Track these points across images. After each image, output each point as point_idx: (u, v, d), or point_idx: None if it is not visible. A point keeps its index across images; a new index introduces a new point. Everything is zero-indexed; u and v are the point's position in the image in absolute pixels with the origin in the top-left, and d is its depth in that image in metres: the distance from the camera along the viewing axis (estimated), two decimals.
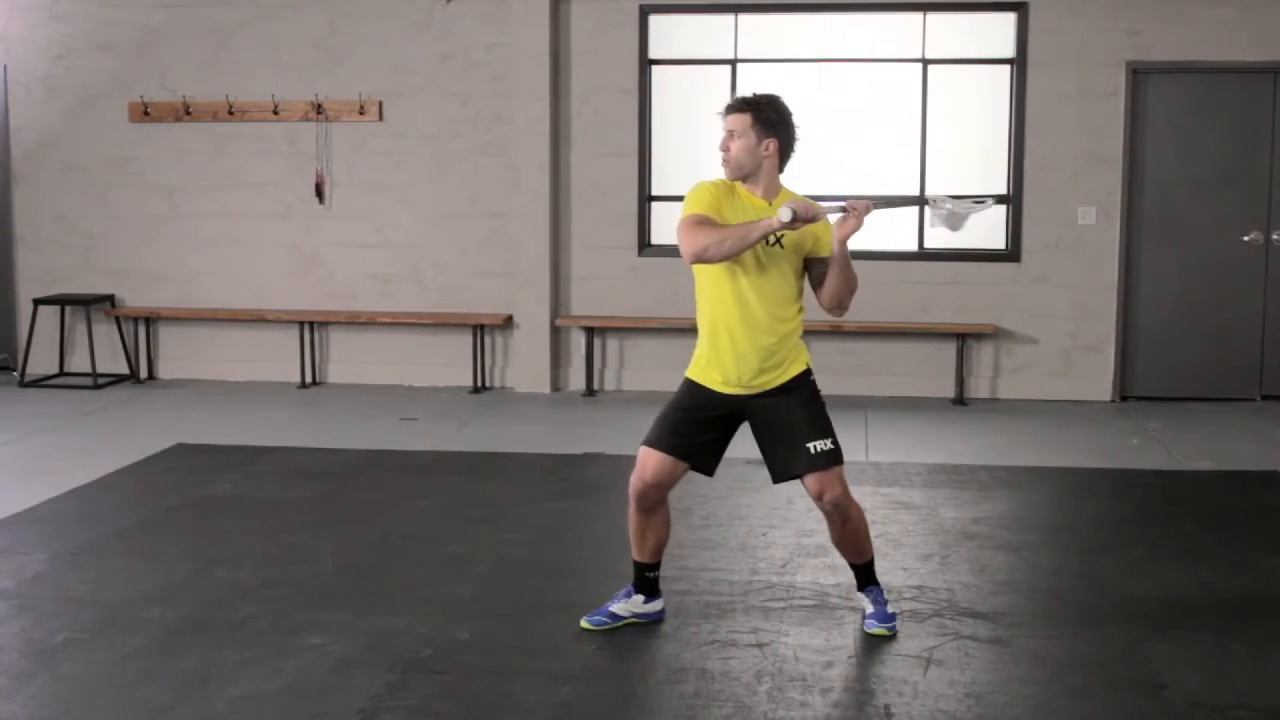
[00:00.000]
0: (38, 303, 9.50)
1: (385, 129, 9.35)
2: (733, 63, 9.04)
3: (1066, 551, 5.62)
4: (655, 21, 9.15)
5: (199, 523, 5.96)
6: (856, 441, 7.47)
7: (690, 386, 4.43)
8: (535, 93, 9.07)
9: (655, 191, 9.17)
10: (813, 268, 4.36)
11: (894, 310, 8.92)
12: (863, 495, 5.77)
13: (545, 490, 6.62)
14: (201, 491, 6.46)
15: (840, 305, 4.33)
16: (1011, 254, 8.95)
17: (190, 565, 5.26)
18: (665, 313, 8.98)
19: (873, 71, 9.05)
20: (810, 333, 4.64)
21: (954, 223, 4.44)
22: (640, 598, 4.57)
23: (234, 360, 9.61)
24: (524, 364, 9.30)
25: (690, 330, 4.49)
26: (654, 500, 4.43)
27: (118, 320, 9.63)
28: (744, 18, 9.05)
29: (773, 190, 4.36)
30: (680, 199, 4.35)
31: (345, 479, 6.76)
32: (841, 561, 4.68)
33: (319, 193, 9.42)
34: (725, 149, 4.34)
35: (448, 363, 9.41)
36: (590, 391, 9.20)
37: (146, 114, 9.52)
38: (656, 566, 4.58)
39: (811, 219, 4.13)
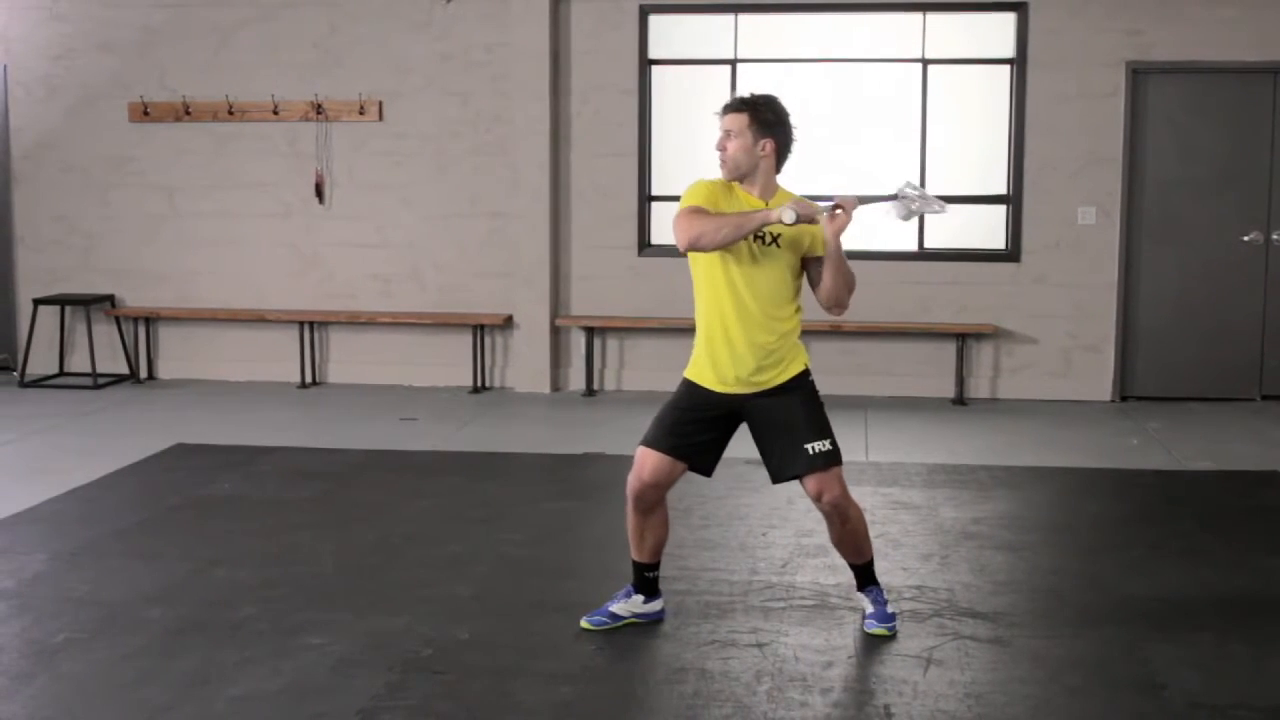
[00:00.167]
0: (38, 303, 9.50)
1: (385, 129, 9.35)
2: (733, 63, 9.05)
3: (1066, 551, 5.62)
4: (655, 21, 9.15)
5: (199, 523, 5.95)
6: (856, 441, 7.47)
7: (688, 387, 4.43)
8: (535, 93, 9.07)
9: (655, 191, 9.18)
10: (810, 267, 4.37)
11: (894, 310, 8.92)
12: (863, 495, 5.77)
13: (545, 490, 6.62)
14: (201, 491, 6.46)
15: (839, 303, 4.34)
16: (1011, 254, 8.94)
17: (190, 565, 5.26)
18: (665, 313, 8.98)
19: (873, 71, 9.05)
20: (810, 333, 4.64)
21: (909, 214, 4.41)
22: (640, 598, 4.57)
23: (234, 360, 9.61)
24: (524, 364, 9.30)
25: (690, 330, 4.49)
26: (652, 500, 4.43)
27: (118, 320, 9.63)
28: (744, 18, 9.05)
29: (770, 190, 4.36)
30: (680, 199, 4.35)
31: (345, 479, 6.76)
32: (841, 561, 4.68)
33: (319, 193, 9.42)
34: (722, 149, 4.34)
35: (448, 363, 9.41)
36: (590, 391, 9.20)
37: (146, 114, 9.52)
38: (656, 566, 4.58)
39: (811, 219, 4.15)
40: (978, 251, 9.00)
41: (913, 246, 9.02)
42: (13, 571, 5.17)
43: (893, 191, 4.38)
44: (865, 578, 4.58)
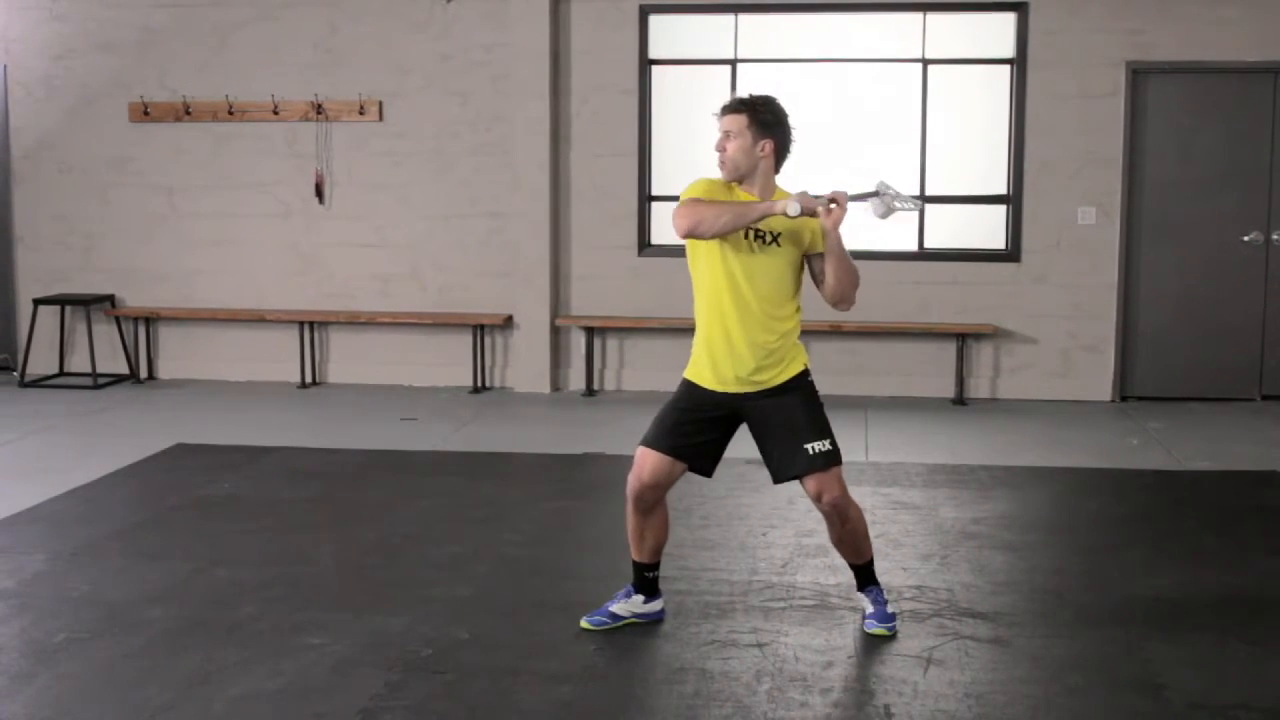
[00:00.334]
0: (38, 303, 9.50)
1: (385, 129, 9.35)
2: (733, 63, 9.05)
3: (1066, 551, 5.62)
4: (655, 21, 9.15)
5: (199, 523, 5.95)
6: (856, 441, 7.47)
7: (688, 387, 4.43)
8: (535, 93, 9.07)
9: (655, 191, 9.18)
10: (813, 263, 4.37)
11: (894, 310, 8.92)
12: (863, 495, 5.77)
13: (545, 490, 6.61)
14: (201, 491, 6.46)
15: (844, 298, 4.33)
16: (1011, 254, 8.94)
17: (190, 565, 5.25)
18: (665, 313, 8.98)
19: (873, 71, 9.05)
20: (810, 333, 4.65)
21: (887, 211, 4.41)
22: (640, 598, 4.57)
23: (234, 360, 9.61)
24: (524, 364, 9.30)
25: (690, 330, 4.49)
26: (651, 501, 4.43)
27: (118, 320, 9.63)
28: (744, 18, 9.05)
29: (769, 191, 4.36)
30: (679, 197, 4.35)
31: (345, 479, 6.76)
32: (841, 561, 4.68)
33: (319, 193, 9.42)
34: (721, 149, 4.34)
35: (448, 363, 9.41)
36: (590, 391, 9.20)
37: (146, 114, 9.52)
38: (656, 566, 4.58)
39: (813, 212, 4.16)
40: (978, 251, 9.00)
41: (913, 246, 9.02)
42: (13, 571, 5.17)
43: (872, 189, 4.38)
44: (865, 578, 4.58)
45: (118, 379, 9.60)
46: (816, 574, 5.12)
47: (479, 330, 9.27)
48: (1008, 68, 8.89)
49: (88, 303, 9.49)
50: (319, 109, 9.34)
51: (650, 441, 4.39)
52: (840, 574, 4.91)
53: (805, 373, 4.40)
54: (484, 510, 6.12)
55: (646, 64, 9.15)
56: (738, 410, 4.38)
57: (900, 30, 8.97)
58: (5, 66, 9.67)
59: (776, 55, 9.05)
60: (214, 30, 9.41)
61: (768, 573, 5.15)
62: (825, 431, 4.34)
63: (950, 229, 9.00)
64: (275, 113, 9.37)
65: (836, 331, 8.80)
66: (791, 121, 4.36)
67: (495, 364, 9.44)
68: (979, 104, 8.99)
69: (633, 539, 4.53)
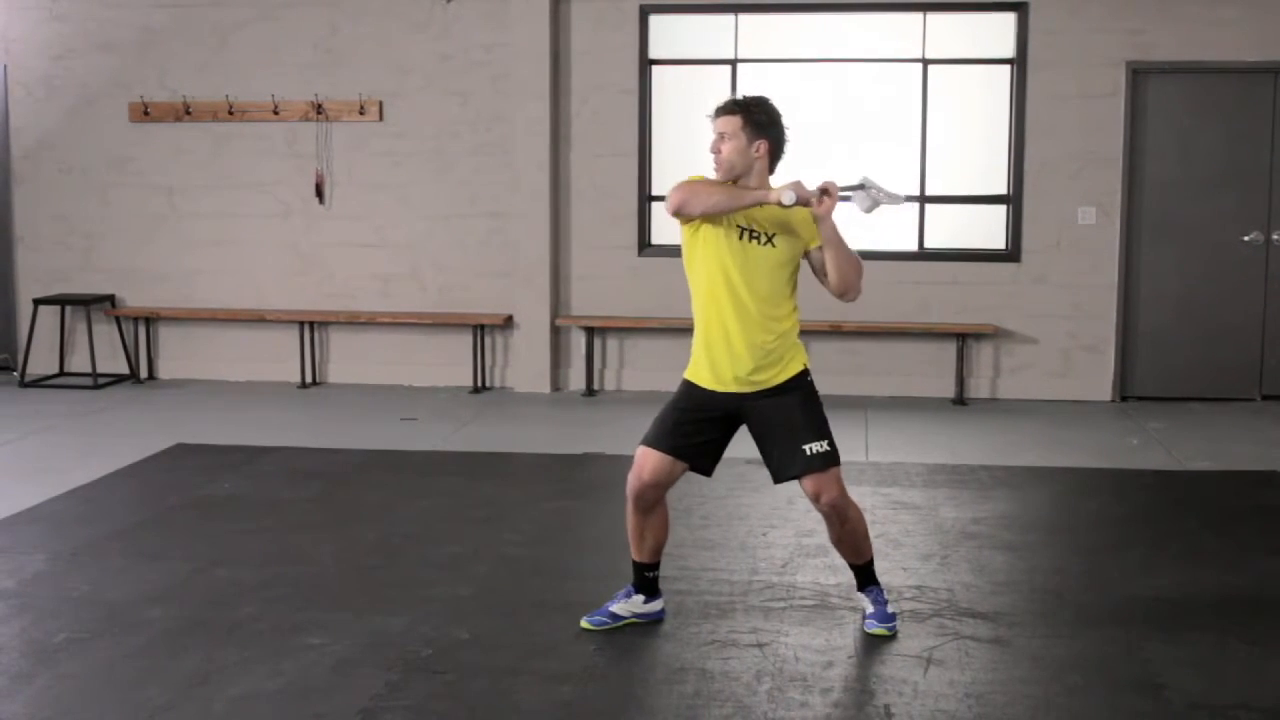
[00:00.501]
0: (38, 303, 9.50)
1: (385, 129, 9.35)
2: (733, 63, 9.05)
3: (1066, 551, 5.61)
4: (655, 21, 9.15)
5: (199, 523, 5.95)
6: (856, 441, 7.47)
7: (688, 387, 4.43)
8: (535, 93, 9.07)
9: (655, 191, 9.18)
10: (813, 257, 4.36)
11: (894, 310, 8.92)
12: (863, 495, 5.78)
13: (545, 490, 6.61)
14: (201, 491, 6.46)
15: (849, 287, 4.31)
16: (1011, 254, 8.94)
17: (190, 565, 5.25)
18: (665, 313, 8.98)
19: (873, 71, 9.05)
20: (810, 332, 4.65)
21: (872, 204, 4.41)
22: (640, 597, 4.58)
23: (234, 360, 9.61)
24: (524, 364, 9.30)
25: (690, 330, 4.49)
26: (651, 500, 4.43)
27: (118, 320, 9.63)
28: (744, 18, 9.05)
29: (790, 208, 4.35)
30: None
31: (345, 479, 6.76)
32: (842, 561, 4.68)
33: (319, 193, 9.42)
34: (716, 151, 4.35)
35: (448, 363, 9.41)
36: (590, 391, 9.20)
37: (146, 114, 9.52)
38: (656, 566, 4.58)
39: (807, 201, 4.18)
40: (978, 251, 9.00)
41: (913, 246, 9.02)
42: (13, 571, 5.17)
43: (856, 182, 4.38)
44: (865, 578, 4.58)
45: (118, 379, 9.60)
46: (816, 574, 5.12)
47: (479, 330, 9.27)
48: (1008, 68, 8.89)
49: (88, 303, 9.49)
50: (319, 109, 9.34)
51: (651, 441, 4.40)
52: (840, 574, 4.91)
53: (805, 373, 4.40)
54: (484, 510, 6.12)
55: (646, 64, 9.15)
56: (738, 410, 4.38)
57: (900, 30, 8.97)
58: (5, 66, 9.67)
59: (776, 55, 9.05)
60: (214, 30, 9.41)
61: (768, 573, 5.15)
62: (824, 432, 4.34)
63: (950, 229, 9.00)
64: (275, 113, 9.37)
65: (836, 331, 8.80)
66: (785, 121, 4.36)
67: (495, 364, 9.44)
68: (979, 104, 8.99)
69: (633, 539, 4.53)
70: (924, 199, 8.95)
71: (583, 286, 9.27)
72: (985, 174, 8.99)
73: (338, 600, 4.86)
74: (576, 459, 7.22)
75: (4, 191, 9.77)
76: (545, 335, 9.23)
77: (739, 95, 4.43)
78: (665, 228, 8.98)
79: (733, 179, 4.34)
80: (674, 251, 4.52)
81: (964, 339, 8.89)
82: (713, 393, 4.37)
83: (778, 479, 4.42)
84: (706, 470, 4.49)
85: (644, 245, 9.21)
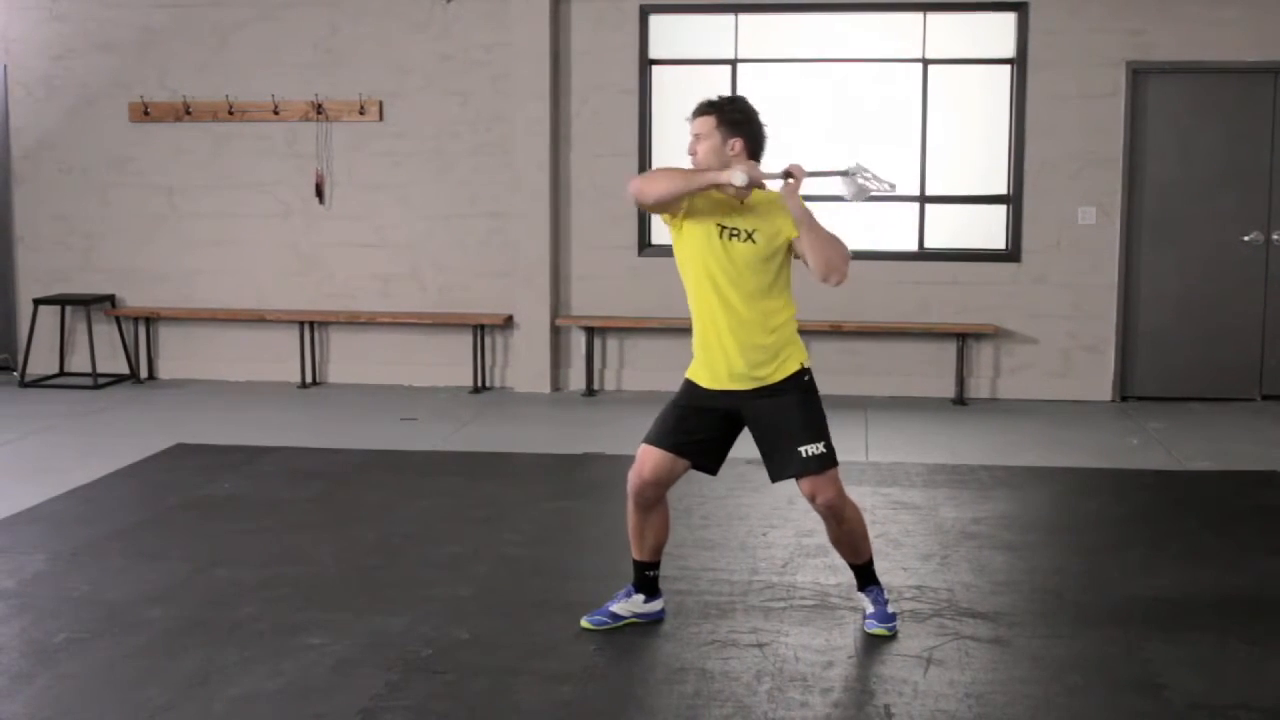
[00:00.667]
0: (38, 303, 9.50)
1: (385, 129, 9.35)
2: (733, 63, 9.04)
3: (1066, 551, 5.61)
4: (655, 21, 9.15)
5: (199, 523, 5.95)
6: (856, 441, 7.47)
7: (688, 386, 4.44)
8: (535, 93, 9.07)
9: None
10: (797, 247, 4.32)
11: (894, 310, 8.92)
12: (862, 495, 5.78)
13: (545, 490, 6.62)
14: (201, 491, 6.46)
15: (832, 268, 4.25)
16: (1011, 254, 8.94)
17: (190, 565, 5.26)
18: (665, 313, 8.98)
19: (873, 71, 9.05)
20: (810, 332, 4.65)
21: (859, 191, 4.41)
22: (640, 597, 4.58)
23: (234, 360, 9.61)
24: (524, 364, 9.30)
25: (690, 330, 4.49)
26: (651, 498, 4.43)
27: (118, 320, 9.64)
28: (744, 18, 9.05)
29: (744, 189, 4.35)
30: None
31: (345, 479, 6.76)
32: (842, 561, 4.68)
33: (319, 193, 9.42)
34: (693, 153, 4.38)
35: (448, 363, 9.41)
36: (590, 391, 9.20)
37: (146, 114, 9.52)
38: (656, 566, 4.58)
39: (759, 182, 4.22)
40: (978, 251, 9.00)
41: (913, 246, 9.01)
42: (13, 571, 5.17)
43: (844, 168, 4.38)
44: (865, 577, 4.58)
45: (118, 379, 9.60)
46: (816, 574, 5.12)
47: (479, 330, 9.27)
48: (1008, 68, 8.89)
49: (88, 303, 9.49)
50: (319, 109, 9.34)
51: (652, 439, 4.40)
52: (840, 574, 4.91)
53: (804, 372, 4.38)
54: (484, 510, 6.12)
55: (646, 64, 9.15)
56: (738, 409, 4.38)
57: (900, 30, 8.97)
58: (5, 66, 9.67)
59: (776, 55, 9.05)
60: (214, 30, 9.41)
61: (768, 573, 5.15)
62: (821, 434, 4.33)
63: (950, 229, 9.00)
64: (275, 113, 9.37)
65: (836, 331, 8.79)
66: (762, 119, 4.37)
67: (495, 364, 9.44)
68: (979, 104, 8.99)
69: (633, 538, 4.53)
70: (924, 199, 8.95)
71: (583, 286, 9.27)
72: (985, 174, 8.99)
73: (338, 600, 4.86)
74: (576, 459, 7.22)
75: (4, 191, 9.78)
76: (545, 335, 9.23)
77: (714, 96, 4.44)
78: (665, 228, 8.96)
79: None
80: (673, 251, 4.52)
81: (964, 339, 8.89)
82: (712, 391, 4.37)
83: (775, 479, 4.43)
84: (711, 469, 4.49)
85: (644, 245, 9.21)
